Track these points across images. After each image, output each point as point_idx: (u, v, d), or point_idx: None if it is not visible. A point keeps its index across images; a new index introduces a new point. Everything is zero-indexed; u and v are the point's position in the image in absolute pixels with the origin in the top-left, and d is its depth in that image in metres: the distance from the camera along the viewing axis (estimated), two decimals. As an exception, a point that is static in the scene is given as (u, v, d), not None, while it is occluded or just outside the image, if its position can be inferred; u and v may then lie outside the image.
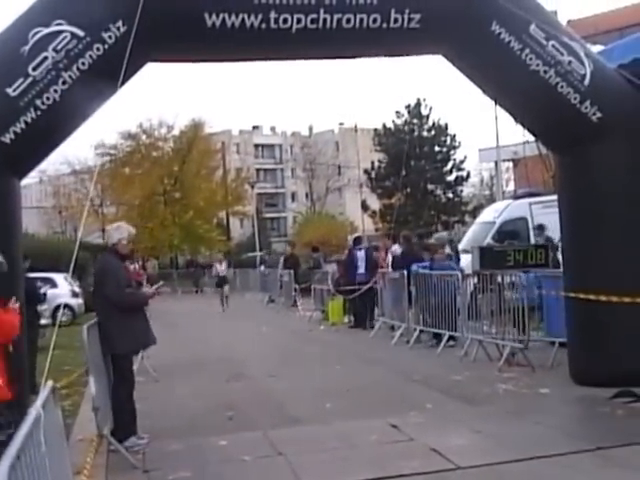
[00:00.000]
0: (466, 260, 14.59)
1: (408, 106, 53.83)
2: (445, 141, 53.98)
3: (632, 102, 9.03)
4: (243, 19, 8.10)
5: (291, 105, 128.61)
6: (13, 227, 8.09)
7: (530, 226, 18.97)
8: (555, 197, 10.34)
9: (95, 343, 7.45)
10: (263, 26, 8.17)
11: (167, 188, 51.08)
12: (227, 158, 58.63)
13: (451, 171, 54.02)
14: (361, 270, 18.08)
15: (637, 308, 8.84)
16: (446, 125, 53.78)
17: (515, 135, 40.14)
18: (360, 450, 7.25)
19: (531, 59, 8.81)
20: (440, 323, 13.26)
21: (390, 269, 16.54)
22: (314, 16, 8.24)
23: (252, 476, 6.83)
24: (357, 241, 19.99)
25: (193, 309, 29.24)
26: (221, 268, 28.34)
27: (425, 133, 53.64)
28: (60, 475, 4.47)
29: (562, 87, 8.86)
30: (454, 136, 53.96)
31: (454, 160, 53.94)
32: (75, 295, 23.73)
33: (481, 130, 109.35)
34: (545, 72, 8.84)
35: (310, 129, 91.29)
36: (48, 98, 7.62)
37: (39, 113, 7.60)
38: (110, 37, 7.76)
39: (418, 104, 53.62)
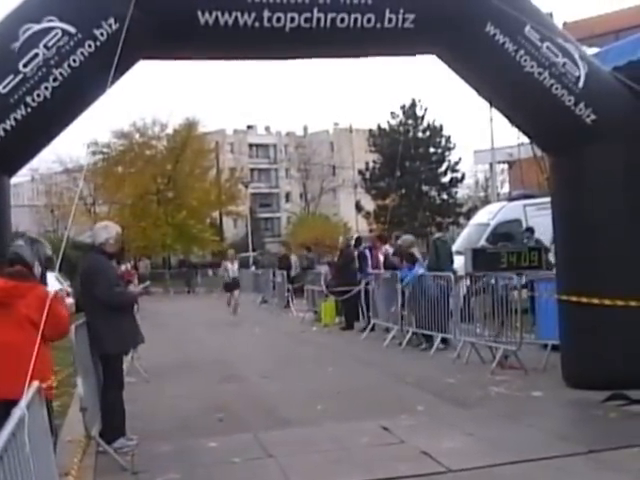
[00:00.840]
0: (459, 262, 14.55)
1: (403, 107, 53.94)
2: (440, 142, 54.07)
3: (626, 105, 9.00)
4: (236, 17, 8.04)
5: (286, 105, 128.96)
6: (2, 225, 8.00)
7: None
8: (549, 199, 10.31)
9: (84, 343, 7.38)
10: (256, 25, 8.11)
11: (160, 187, 50.96)
12: (221, 158, 58.58)
13: (446, 172, 54.11)
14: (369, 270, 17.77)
15: (630, 311, 8.82)
16: (441, 126, 53.96)
17: (510, 137, 40.10)
18: (351, 452, 7.21)
19: (525, 60, 8.77)
20: (432, 325, 13.22)
21: (383, 270, 16.48)
22: (308, 15, 8.19)
23: (242, 478, 6.79)
24: (359, 241, 19.79)
25: (185, 309, 29.15)
26: (232, 268, 24.00)
27: (420, 134, 53.71)
28: (46, 477, 4.41)
29: (556, 89, 8.83)
30: (449, 137, 54.17)
31: (449, 161, 54.08)
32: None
33: (476, 132, 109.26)
34: (539, 74, 8.80)
35: (305, 129, 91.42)
36: (39, 95, 7.52)
37: (29, 110, 7.51)
38: (102, 34, 7.68)
39: (413, 105, 53.71)
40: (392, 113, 54.05)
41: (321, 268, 23.67)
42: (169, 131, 52.00)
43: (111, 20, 7.68)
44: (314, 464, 6.91)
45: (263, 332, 18.76)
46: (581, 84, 8.84)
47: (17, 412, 3.91)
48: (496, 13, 8.61)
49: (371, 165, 55.47)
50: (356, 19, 8.30)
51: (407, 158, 50.75)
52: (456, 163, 54.07)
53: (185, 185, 50.61)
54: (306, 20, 8.20)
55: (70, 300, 23.55)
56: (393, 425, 7.98)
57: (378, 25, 8.37)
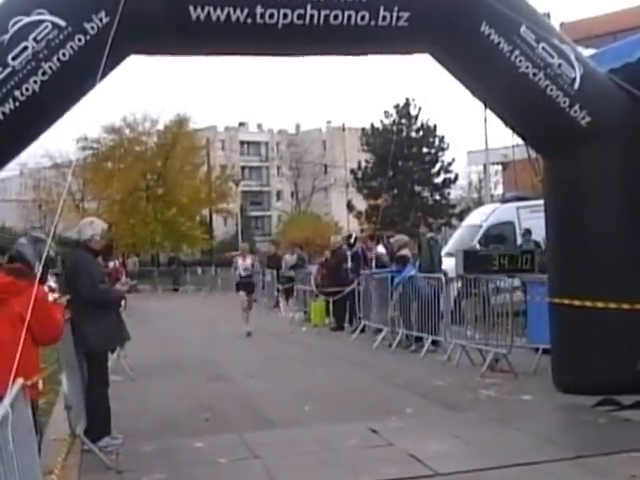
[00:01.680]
0: (450, 264, 14.49)
1: (397, 106, 53.73)
2: (433, 142, 53.95)
3: (622, 107, 8.96)
4: (228, 13, 7.95)
5: (278, 102, 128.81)
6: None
7: (517, 230, 18.93)
8: (542, 202, 10.26)
9: (68, 340, 7.28)
10: (249, 21, 8.03)
11: (150, 184, 50.82)
12: (212, 155, 58.35)
13: (439, 173, 54.00)
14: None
15: (623, 314, 8.77)
16: (435, 126, 53.79)
17: (505, 138, 40.08)
18: (338, 454, 7.15)
19: (521, 61, 8.71)
20: (422, 327, 13.15)
21: (374, 269, 16.40)
22: (301, 12, 8.10)
23: (227, 479, 6.75)
24: (355, 241, 19.28)
25: (174, 308, 29.02)
26: (245, 264, 18.01)
27: (413, 134, 53.57)
28: (29, 475, 4.34)
29: (551, 90, 8.77)
30: (443, 138, 53.99)
31: (442, 162, 53.94)
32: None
33: (470, 132, 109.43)
34: (534, 75, 8.75)
35: (297, 127, 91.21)
36: (27, 89, 7.42)
37: (17, 104, 7.41)
38: (92, 28, 7.58)
39: (407, 104, 53.54)
40: (385, 112, 53.92)
41: (312, 268, 23.52)
42: (160, 127, 51.90)
43: (102, 14, 7.58)
44: (300, 465, 6.85)
45: (252, 332, 18.59)
46: (576, 86, 8.79)
47: (0, 410, 3.84)
48: (491, 13, 8.55)
49: (363, 164, 55.31)
50: (350, 16, 8.22)
51: (400, 158, 50.63)
52: (449, 164, 53.97)
53: (175, 182, 50.47)
54: (299, 17, 8.12)
55: (56, 296, 23.46)
56: (381, 427, 7.92)
57: (372, 23, 8.30)
